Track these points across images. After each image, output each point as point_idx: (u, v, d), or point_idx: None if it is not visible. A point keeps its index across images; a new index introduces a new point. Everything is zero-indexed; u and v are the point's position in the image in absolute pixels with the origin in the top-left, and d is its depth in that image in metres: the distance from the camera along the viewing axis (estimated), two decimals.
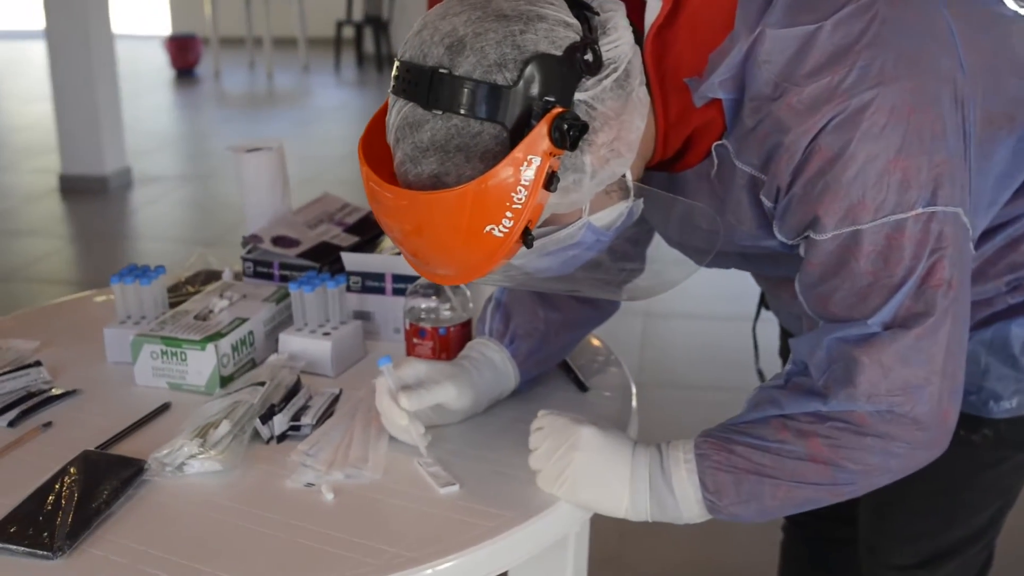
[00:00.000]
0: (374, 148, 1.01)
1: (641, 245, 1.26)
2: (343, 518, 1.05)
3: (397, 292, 1.43)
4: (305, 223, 1.61)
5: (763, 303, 1.57)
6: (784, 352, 1.56)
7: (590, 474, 1.05)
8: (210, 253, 1.68)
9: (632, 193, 1.01)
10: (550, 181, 0.91)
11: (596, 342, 1.46)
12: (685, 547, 2.41)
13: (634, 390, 1.32)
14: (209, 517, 1.05)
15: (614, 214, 1.01)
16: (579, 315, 1.30)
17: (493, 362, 1.24)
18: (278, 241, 1.55)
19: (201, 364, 1.31)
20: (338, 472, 1.11)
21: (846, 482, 1.01)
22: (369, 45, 10.54)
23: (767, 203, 1.01)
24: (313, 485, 1.10)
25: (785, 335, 1.53)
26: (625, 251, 1.17)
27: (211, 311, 1.39)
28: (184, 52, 9.67)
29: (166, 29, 11.56)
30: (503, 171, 0.89)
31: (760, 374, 1.63)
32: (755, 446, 1.02)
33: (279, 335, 1.38)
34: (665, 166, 1.08)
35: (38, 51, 5.65)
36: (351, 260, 1.46)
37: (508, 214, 0.91)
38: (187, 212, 5.59)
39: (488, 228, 0.91)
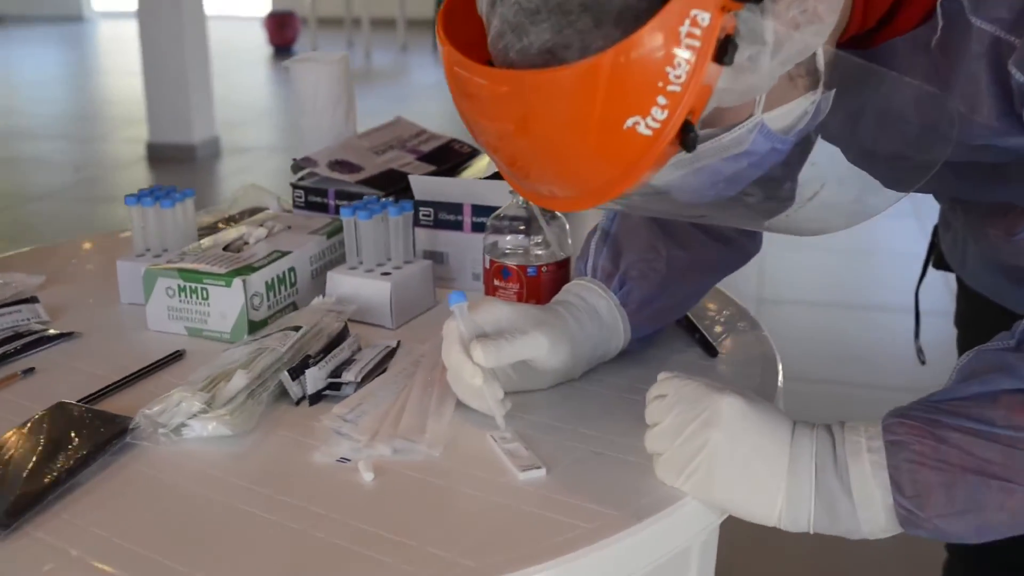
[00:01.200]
0: (458, 24, 0.72)
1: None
2: (384, 507, 0.76)
3: (479, 228, 1.14)
4: (371, 148, 1.33)
5: (933, 260, 1.24)
6: (963, 320, 1.23)
7: (732, 463, 0.75)
8: (264, 187, 1.41)
9: (822, 79, 0.70)
10: (723, 50, 0.62)
11: (724, 295, 1.15)
12: (802, 560, 2.07)
13: (779, 359, 1.01)
14: (204, 497, 0.78)
15: (797, 111, 0.71)
16: (709, 255, 0.99)
17: (596, 311, 0.94)
18: (336, 166, 1.27)
19: (226, 304, 1.03)
20: (383, 445, 0.82)
21: None
22: None
23: (1019, 76, 0.69)
24: (348, 461, 0.81)
25: (966, 299, 1.20)
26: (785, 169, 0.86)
27: (246, 243, 1.12)
28: (282, 29, 9.55)
29: (266, 9, 11.53)
30: (651, 37, 0.61)
31: (920, 352, 1.30)
32: (976, 433, 0.71)
33: (328, 274, 1.10)
34: (858, 41, 0.77)
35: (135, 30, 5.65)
36: (422, 186, 1.17)
37: (661, 100, 0.62)
38: (274, 181, 5.40)
39: (630, 122, 0.63)
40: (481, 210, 1.14)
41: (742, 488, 0.75)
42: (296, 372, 0.91)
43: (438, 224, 1.17)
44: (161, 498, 0.77)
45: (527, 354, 0.87)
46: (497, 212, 1.03)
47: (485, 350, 0.84)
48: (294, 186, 1.27)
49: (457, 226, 1.16)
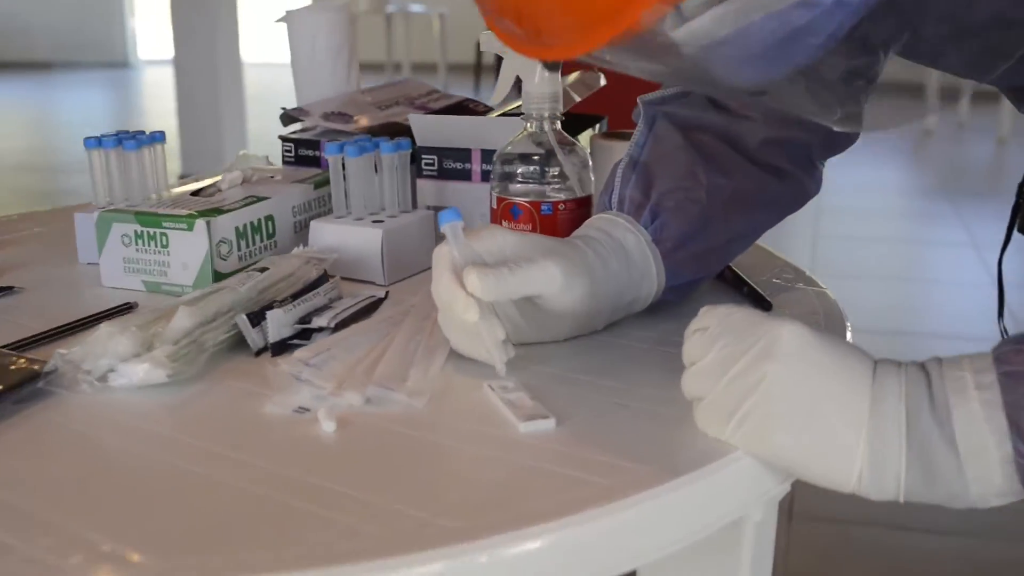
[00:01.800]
0: None
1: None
2: (347, 462, 0.59)
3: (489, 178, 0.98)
4: (375, 103, 1.18)
5: (1019, 223, 1.06)
6: None
7: (795, 405, 0.57)
8: (256, 155, 1.25)
9: None
10: None
11: (773, 255, 0.98)
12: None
13: (848, 324, 0.83)
14: (126, 451, 0.61)
15: None
16: (758, 187, 0.82)
17: (623, 247, 0.77)
18: (332, 117, 1.12)
19: (188, 252, 0.88)
20: (353, 393, 0.65)
21: None
22: None
23: None
24: (307, 412, 0.64)
25: None
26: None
27: (219, 190, 0.97)
28: None
29: None
30: None
31: (1004, 332, 1.12)
32: None
33: (311, 223, 0.94)
34: None
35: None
36: (423, 128, 1.01)
37: None
38: None
39: None
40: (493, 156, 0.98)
41: (809, 439, 0.57)
42: (257, 317, 0.75)
43: (443, 174, 1.01)
44: (75, 453, 0.61)
45: (535, 287, 0.70)
46: (507, 144, 0.87)
47: (482, 278, 0.67)
48: (283, 139, 1.11)
49: (465, 176, 1.00)
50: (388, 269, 0.90)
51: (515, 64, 0.84)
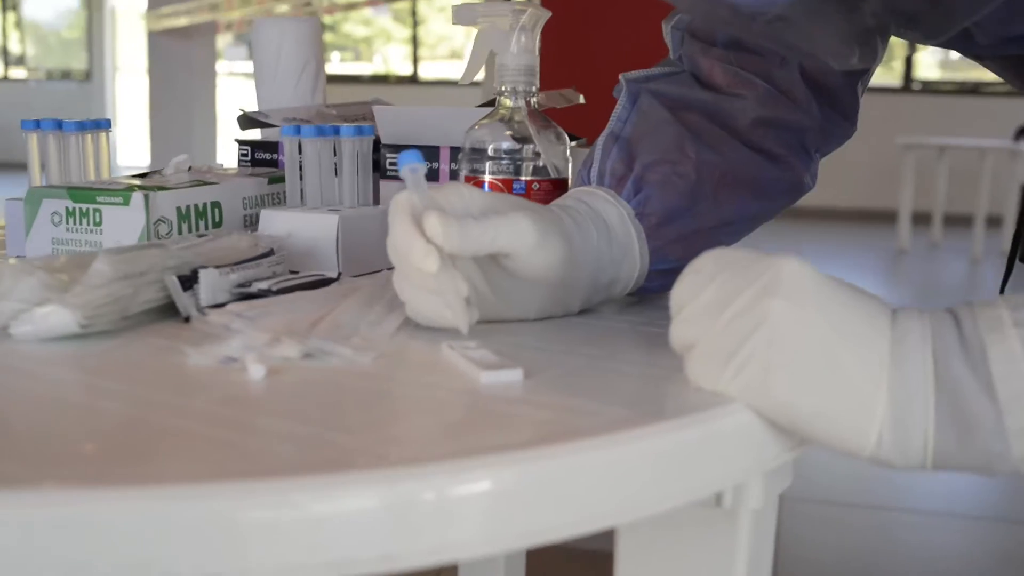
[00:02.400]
0: None
1: None
2: (275, 402, 0.50)
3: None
4: (341, 116, 1.11)
5: (1020, 252, 1.00)
6: None
7: (803, 348, 0.49)
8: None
9: None
10: None
11: None
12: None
13: None
14: (18, 391, 0.52)
15: None
16: (750, 168, 0.75)
17: (603, 219, 0.70)
18: (293, 123, 1.05)
19: (123, 230, 0.79)
20: (291, 343, 0.57)
21: None
22: None
23: None
24: (235, 361, 0.55)
25: None
26: None
27: (162, 175, 0.89)
28: None
29: None
30: None
31: None
32: None
33: (261, 212, 0.86)
34: None
35: None
36: (387, 118, 0.94)
37: None
38: None
39: None
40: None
41: (819, 389, 0.49)
42: (189, 281, 0.66)
43: None
44: None
45: (504, 241, 0.61)
46: (478, 119, 0.80)
47: (445, 223, 0.59)
48: (239, 142, 1.04)
49: (431, 176, 0.93)
50: (344, 261, 0.82)
51: (489, 37, 0.78)
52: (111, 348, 0.59)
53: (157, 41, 4.62)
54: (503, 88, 0.78)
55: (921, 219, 6.57)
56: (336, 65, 10.26)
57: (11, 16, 11.06)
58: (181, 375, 0.54)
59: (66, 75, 10.87)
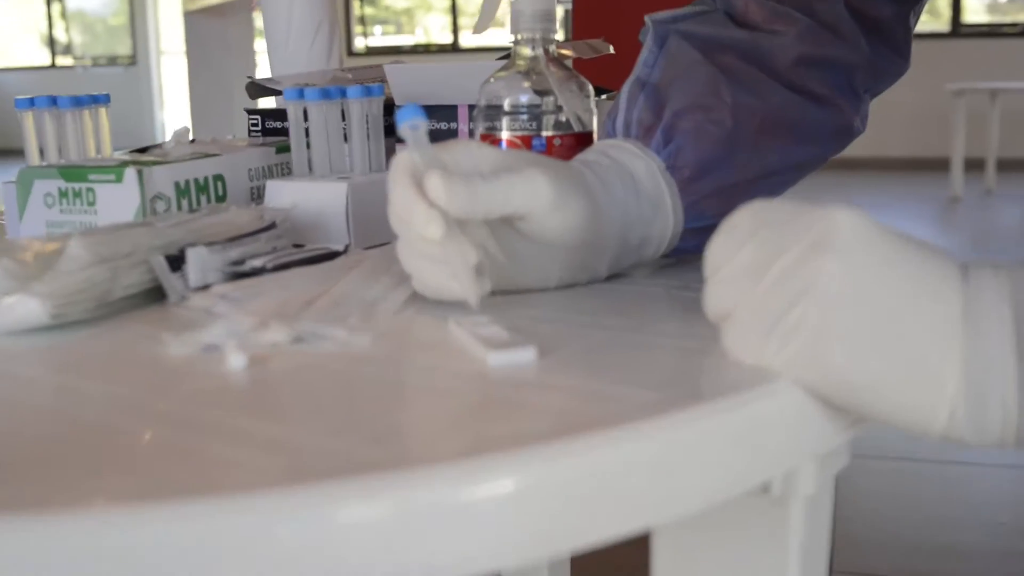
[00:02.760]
0: None
1: None
2: (255, 398, 0.44)
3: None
4: (356, 81, 1.05)
5: None
6: None
7: (861, 313, 0.42)
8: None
9: None
10: None
11: None
12: None
13: None
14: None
15: None
16: (792, 112, 0.67)
17: (631, 173, 0.63)
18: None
19: (118, 210, 0.74)
20: (280, 327, 0.51)
21: None
22: None
23: None
24: (216, 350, 0.50)
25: None
26: None
27: (163, 148, 0.84)
28: None
29: None
30: None
31: None
32: None
33: (267, 183, 0.80)
34: None
35: None
36: (399, 77, 0.87)
37: None
38: None
39: None
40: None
41: (880, 360, 0.42)
42: (178, 261, 0.60)
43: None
44: None
45: (517, 202, 0.55)
46: (494, 72, 0.73)
47: (449, 183, 0.52)
48: (248, 111, 0.98)
49: (450, 138, 0.86)
50: (355, 232, 0.76)
51: None
52: (84, 340, 0.53)
53: (193, 21, 4.58)
54: (519, 37, 0.71)
55: (974, 166, 6.37)
56: (378, 38, 10.20)
57: (56, 7, 11.16)
58: (157, 368, 0.48)
59: (112, 61, 10.94)
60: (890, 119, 6.35)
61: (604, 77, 1.00)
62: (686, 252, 0.66)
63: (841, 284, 0.42)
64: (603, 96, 0.99)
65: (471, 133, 0.84)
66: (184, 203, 0.77)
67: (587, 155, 0.63)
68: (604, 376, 0.44)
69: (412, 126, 0.55)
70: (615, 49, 1.04)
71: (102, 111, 0.89)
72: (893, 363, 0.41)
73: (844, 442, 0.47)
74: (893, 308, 0.41)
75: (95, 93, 0.89)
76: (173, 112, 10.35)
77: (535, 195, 0.55)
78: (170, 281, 0.60)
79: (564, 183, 0.56)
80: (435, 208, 0.52)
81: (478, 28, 0.75)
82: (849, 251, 0.42)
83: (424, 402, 0.43)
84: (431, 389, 0.44)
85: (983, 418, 0.41)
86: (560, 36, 0.73)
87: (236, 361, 0.47)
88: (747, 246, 0.45)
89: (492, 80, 0.72)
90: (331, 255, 0.67)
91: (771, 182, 0.68)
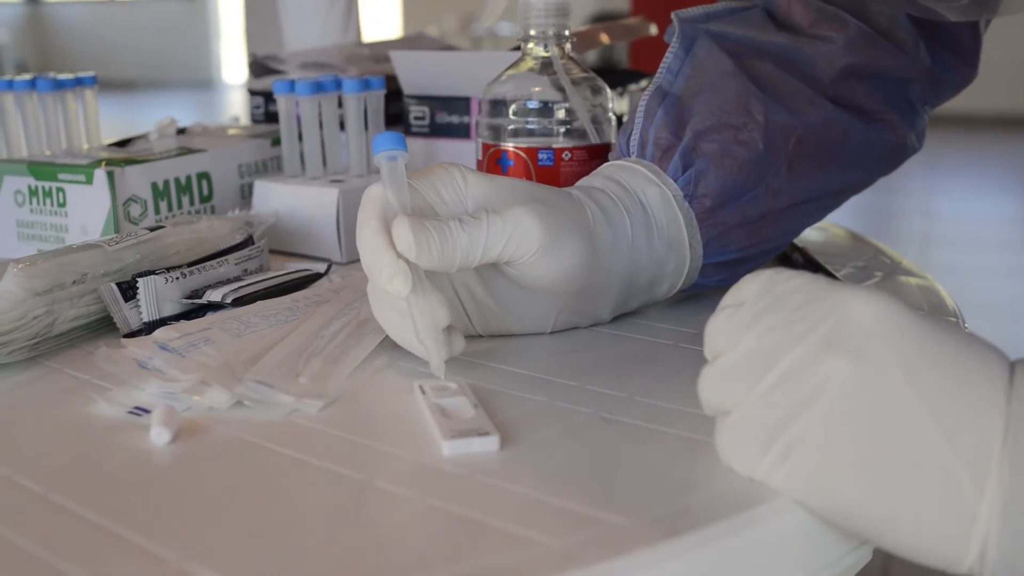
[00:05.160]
0: None
1: None
2: (160, 492, 0.38)
3: None
4: (372, 57, 0.98)
5: None
6: None
7: (877, 430, 0.34)
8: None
9: None
10: None
11: (860, 237, 0.74)
12: None
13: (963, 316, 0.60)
14: None
15: None
16: (838, 131, 0.59)
17: (643, 203, 0.55)
18: (312, 68, 0.91)
19: (88, 212, 0.68)
20: (220, 390, 0.44)
21: None
22: None
23: None
24: (141, 415, 0.43)
25: None
26: None
27: (147, 140, 0.77)
28: None
29: None
30: None
31: None
32: None
33: (255, 183, 0.73)
34: None
35: None
36: (407, 65, 0.80)
37: None
38: None
39: None
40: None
41: (898, 487, 0.34)
42: (132, 289, 0.54)
43: (435, 131, 0.80)
44: None
45: (499, 249, 0.48)
46: (499, 74, 0.65)
47: (417, 231, 0.45)
48: (252, 92, 0.91)
49: (462, 131, 0.79)
50: (346, 241, 0.69)
51: None
52: (10, 390, 0.47)
53: None
54: (529, 32, 0.64)
55: None
56: None
57: None
58: (77, 436, 0.42)
59: None
60: (980, 73, 6.10)
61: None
62: (707, 287, 0.59)
63: (854, 394, 0.34)
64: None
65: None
66: (163, 205, 0.70)
67: (593, 180, 0.56)
68: (570, 485, 0.37)
69: (389, 157, 0.48)
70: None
71: (88, 93, 0.83)
72: (914, 493, 0.34)
73: (858, 560, 0.39)
74: (919, 425, 0.34)
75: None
76: (230, 46, 10.31)
77: (522, 240, 0.48)
78: (121, 312, 0.54)
79: (558, 223, 0.49)
80: (402, 260, 0.45)
81: (485, 20, 0.67)
82: (866, 352, 0.34)
83: (332, 516, 0.37)
84: (355, 495, 0.37)
85: (1020, 562, 0.33)
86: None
87: (159, 436, 0.41)
88: (752, 331, 0.37)
89: (497, 82, 0.64)
90: (309, 279, 0.61)
91: (808, 208, 0.60)
